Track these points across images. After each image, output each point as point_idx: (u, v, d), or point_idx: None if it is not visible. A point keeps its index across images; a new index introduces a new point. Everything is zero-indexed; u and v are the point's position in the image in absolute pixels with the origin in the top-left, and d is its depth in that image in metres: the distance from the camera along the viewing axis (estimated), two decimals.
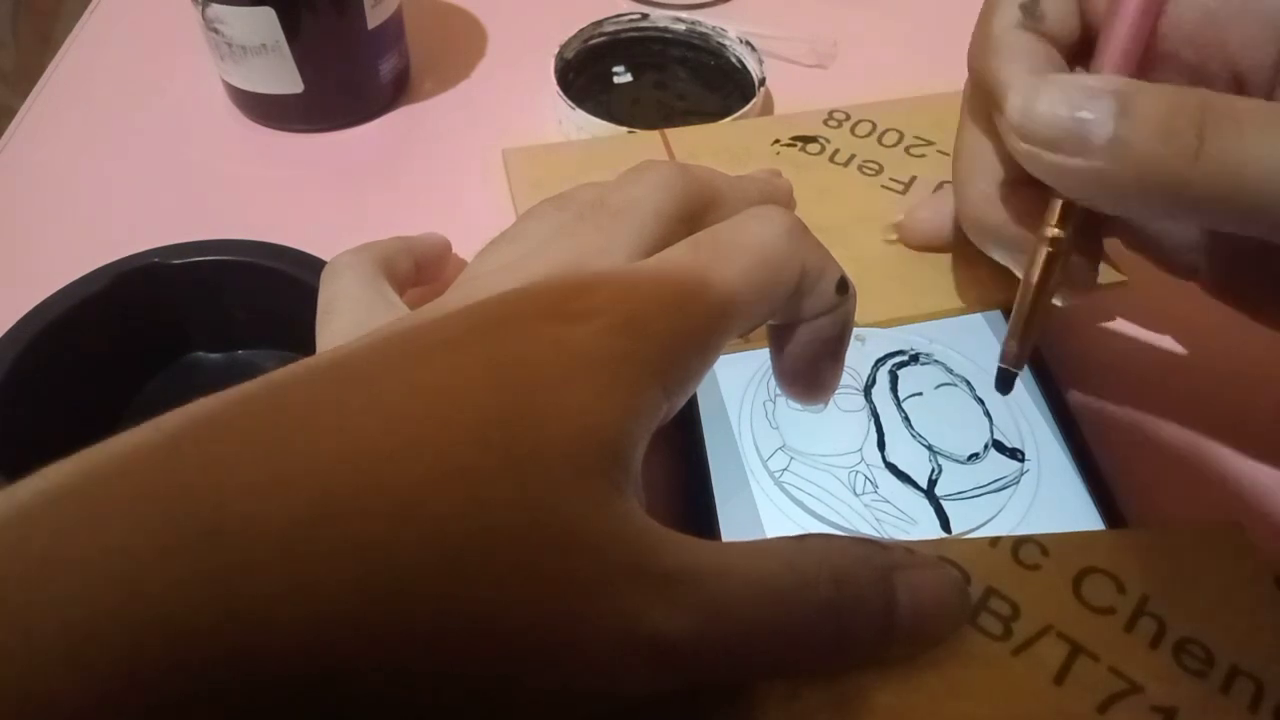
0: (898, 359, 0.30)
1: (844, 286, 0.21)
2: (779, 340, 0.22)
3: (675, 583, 0.16)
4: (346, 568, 0.14)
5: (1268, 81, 0.23)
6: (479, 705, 0.15)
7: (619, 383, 0.17)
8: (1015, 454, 0.28)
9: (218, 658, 0.13)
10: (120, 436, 0.15)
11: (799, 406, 0.24)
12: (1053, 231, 0.24)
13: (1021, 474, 0.27)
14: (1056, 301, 0.26)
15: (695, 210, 0.21)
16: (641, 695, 0.16)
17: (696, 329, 0.18)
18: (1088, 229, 0.25)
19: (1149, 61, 0.25)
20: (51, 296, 0.30)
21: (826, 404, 0.24)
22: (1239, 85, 0.23)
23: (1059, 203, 0.24)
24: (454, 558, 0.14)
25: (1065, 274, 0.25)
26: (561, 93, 0.42)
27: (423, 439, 0.15)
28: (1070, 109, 0.21)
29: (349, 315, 0.25)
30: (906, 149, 0.38)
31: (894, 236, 0.34)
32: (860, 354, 0.30)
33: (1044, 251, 0.25)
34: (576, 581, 0.15)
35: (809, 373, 0.22)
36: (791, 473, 0.27)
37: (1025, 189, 0.26)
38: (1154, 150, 0.21)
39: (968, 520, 0.26)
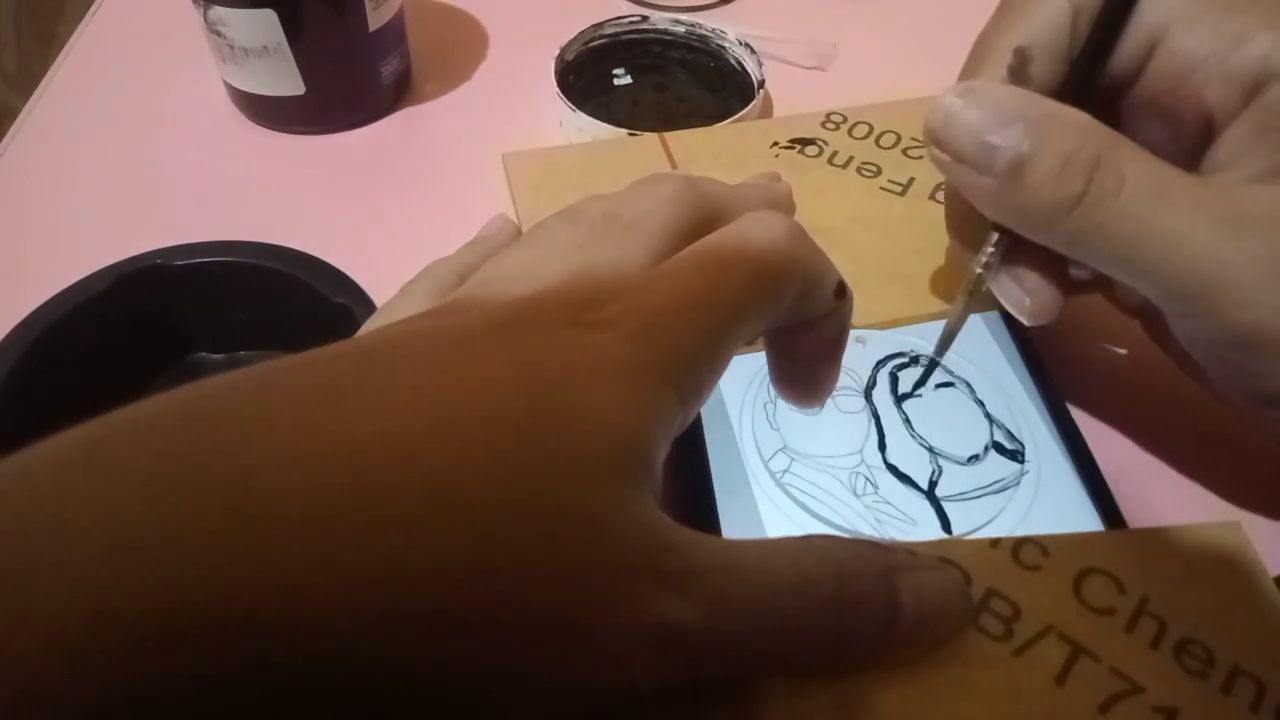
0: (898, 360, 0.30)
1: (841, 290, 0.21)
2: (777, 345, 0.23)
3: (687, 576, 0.16)
4: (378, 546, 0.13)
5: (1225, 126, 0.25)
6: (499, 689, 0.15)
7: (640, 387, 0.17)
8: (1015, 455, 0.28)
9: (240, 637, 0.12)
10: (131, 406, 0.14)
11: (795, 410, 0.25)
12: (983, 257, 0.27)
13: (1021, 475, 0.27)
14: (1024, 320, 0.28)
15: (702, 222, 0.22)
16: (649, 687, 0.16)
17: (706, 338, 0.18)
18: (1041, 260, 0.27)
19: (1130, 108, 0.27)
20: (54, 297, 0.30)
21: (822, 407, 0.24)
22: (1207, 128, 0.25)
23: (993, 234, 0.27)
24: (484, 542, 0.14)
25: (1008, 292, 0.28)
26: (562, 95, 0.42)
27: (455, 423, 0.15)
28: (982, 130, 0.24)
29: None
30: (904, 151, 0.38)
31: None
32: (860, 356, 0.30)
33: (972, 272, 0.28)
34: (598, 572, 0.15)
35: (806, 376, 0.23)
36: (792, 474, 0.27)
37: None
38: (1042, 187, 0.23)
39: (968, 521, 0.26)
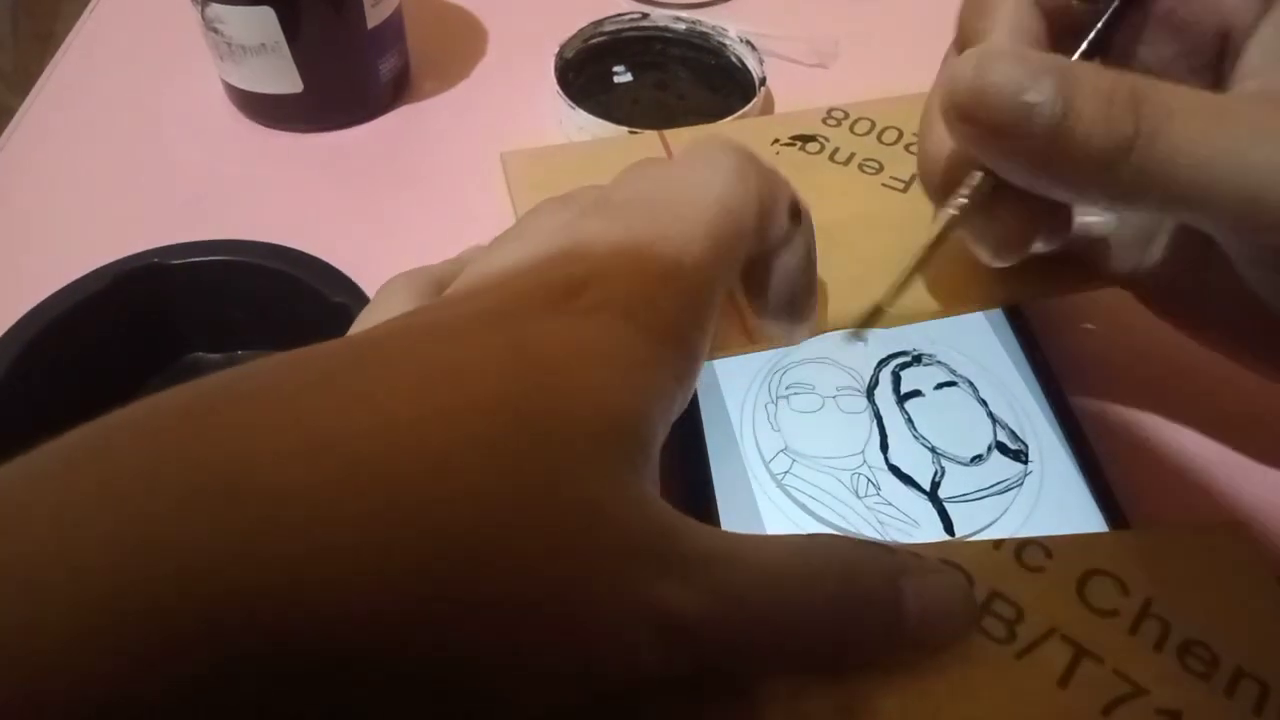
0: (900, 360, 0.30)
1: (796, 212, 0.21)
2: (749, 280, 0.23)
3: (689, 563, 0.16)
4: (377, 532, 0.13)
5: (1245, 34, 0.24)
6: (502, 675, 0.15)
7: (631, 368, 0.17)
8: (1018, 456, 0.28)
9: (242, 625, 0.12)
10: (129, 406, 0.14)
11: (785, 340, 0.24)
12: (959, 200, 0.25)
13: (1025, 476, 0.27)
14: (994, 261, 0.26)
15: None
16: (650, 675, 0.16)
17: (684, 303, 0.19)
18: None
19: (1143, 20, 0.26)
20: (51, 296, 0.30)
21: (810, 333, 0.24)
22: (1223, 40, 0.24)
23: (976, 175, 0.25)
24: (483, 526, 0.14)
25: (982, 233, 0.26)
26: (561, 92, 0.42)
27: (451, 410, 0.15)
28: (1016, 90, 0.21)
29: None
30: (906, 147, 0.38)
31: None
32: (862, 355, 0.30)
33: (945, 215, 0.25)
34: (598, 556, 0.15)
35: (788, 306, 0.23)
36: (794, 475, 0.27)
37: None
38: (1093, 134, 0.21)
39: (971, 523, 0.26)
